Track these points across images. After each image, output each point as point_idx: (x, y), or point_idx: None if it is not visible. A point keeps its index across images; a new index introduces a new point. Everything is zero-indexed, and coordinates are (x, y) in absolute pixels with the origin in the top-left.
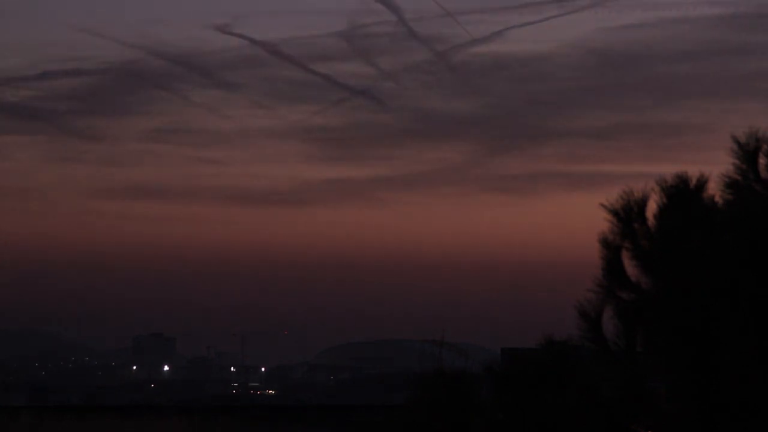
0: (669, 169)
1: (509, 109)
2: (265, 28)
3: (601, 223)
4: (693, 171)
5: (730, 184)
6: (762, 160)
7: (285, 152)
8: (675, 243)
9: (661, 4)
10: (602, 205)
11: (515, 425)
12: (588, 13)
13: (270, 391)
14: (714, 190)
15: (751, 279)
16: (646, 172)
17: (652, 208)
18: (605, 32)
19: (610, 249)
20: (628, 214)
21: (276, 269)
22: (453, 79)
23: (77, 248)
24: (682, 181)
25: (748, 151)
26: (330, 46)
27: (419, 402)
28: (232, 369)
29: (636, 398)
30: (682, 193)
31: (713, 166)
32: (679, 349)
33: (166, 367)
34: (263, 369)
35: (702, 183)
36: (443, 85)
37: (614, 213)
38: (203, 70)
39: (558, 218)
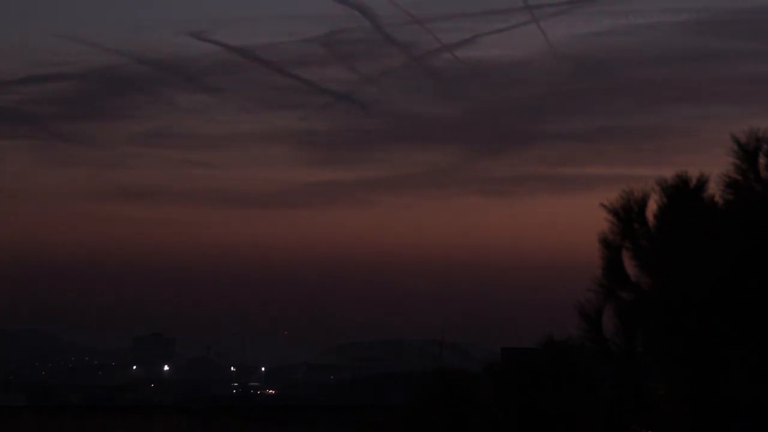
0: (650, 172)
1: (490, 114)
2: (243, 34)
3: (585, 223)
4: (674, 174)
5: (730, 184)
6: (762, 160)
7: (273, 156)
8: (675, 243)
9: (626, 12)
10: (602, 205)
11: (515, 425)
12: (556, 20)
13: (270, 391)
14: (714, 190)
15: (751, 279)
16: (628, 175)
17: (652, 208)
18: (575, 39)
19: (610, 249)
20: (628, 214)
21: (275, 270)
22: (432, 83)
23: (77, 249)
24: (682, 181)
25: (748, 151)
26: (307, 52)
27: (419, 401)
28: (232, 369)
29: (636, 398)
30: (682, 193)
31: (694, 169)
32: (679, 349)
33: (166, 367)
34: (263, 369)
35: (702, 183)
36: (423, 89)
37: (614, 213)
38: (186, 75)
39: (542, 220)
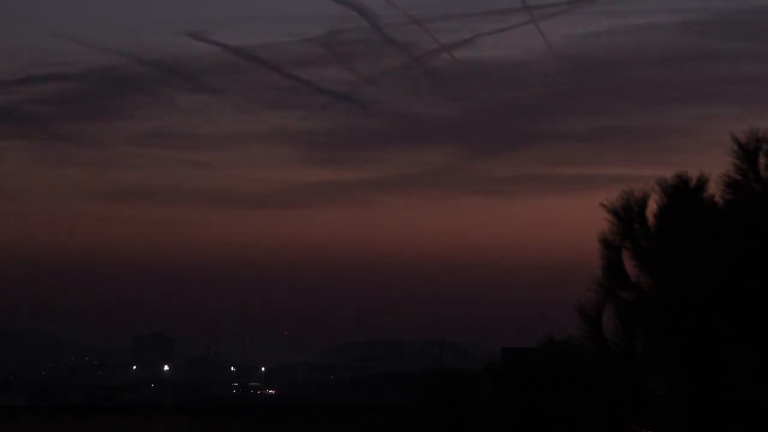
0: (650, 172)
1: (489, 114)
2: (243, 34)
3: (585, 223)
4: (673, 174)
5: (730, 184)
6: (762, 160)
7: (273, 156)
8: (675, 243)
9: (623, 12)
10: (602, 205)
11: (515, 425)
12: (555, 20)
13: (270, 391)
14: (714, 190)
15: (751, 279)
16: (628, 175)
17: (652, 208)
18: (575, 39)
19: (610, 249)
20: (628, 214)
21: (275, 270)
22: (431, 84)
23: (77, 249)
24: (682, 181)
25: (748, 151)
26: (306, 52)
27: (419, 401)
28: (232, 369)
29: (636, 398)
30: (682, 193)
31: (694, 169)
32: (679, 349)
33: (166, 367)
34: (263, 369)
35: (702, 183)
36: (422, 90)
37: (614, 213)
38: (186, 75)
39: (542, 220)
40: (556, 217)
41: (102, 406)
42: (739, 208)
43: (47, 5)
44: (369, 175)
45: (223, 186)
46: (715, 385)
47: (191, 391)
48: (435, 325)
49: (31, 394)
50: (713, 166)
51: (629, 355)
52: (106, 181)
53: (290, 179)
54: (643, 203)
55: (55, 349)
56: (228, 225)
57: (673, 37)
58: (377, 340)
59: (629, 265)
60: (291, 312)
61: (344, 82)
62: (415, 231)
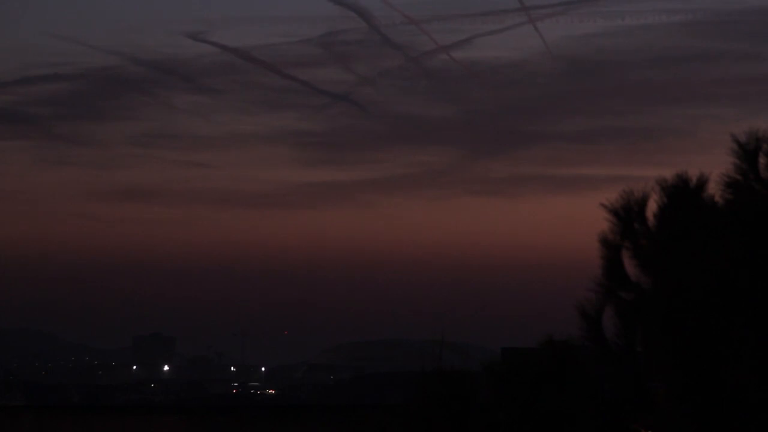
0: (650, 172)
1: (487, 114)
2: (240, 35)
3: (585, 223)
4: (672, 174)
5: (730, 184)
6: (762, 160)
7: (271, 156)
8: (675, 243)
9: (621, 13)
10: (602, 205)
11: (515, 425)
12: (553, 21)
13: (270, 391)
14: (714, 190)
15: (750, 278)
16: (625, 175)
17: (652, 208)
18: (572, 40)
19: (610, 249)
20: (628, 213)
21: (275, 270)
22: (428, 84)
23: (77, 249)
24: (682, 180)
25: (748, 151)
26: (304, 53)
27: (419, 401)
28: (232, 369)
29: (636, 398)
30: (682, 193)
31: (694, 169)
32: (679, 348)
33: (166, 367)
34: (263, 369)
35: (702, 183)
36: (420, 90)
37: (614, 213)
38: (184, 76)
39: (541, 220)
40: (556, 217)
41: (102, 406)
42: (739, 208)
43: (47, 5)
44: (368, 175)
45: (223, 186)
46: (714, 385)
47: (191, 391)
48: (435, 325)
49: (31, 394)
50: (713, 166)
51: (629, 355)
52: (106, 181)
53: (290, 179)
54: (643, 203)
55: (55, 349)
56: (228, 225)
57: (671, 37)
58: (377, 340)
59: (629, 265)
60: (291, 312)
61: (342, 82)
62: (415, 231)
